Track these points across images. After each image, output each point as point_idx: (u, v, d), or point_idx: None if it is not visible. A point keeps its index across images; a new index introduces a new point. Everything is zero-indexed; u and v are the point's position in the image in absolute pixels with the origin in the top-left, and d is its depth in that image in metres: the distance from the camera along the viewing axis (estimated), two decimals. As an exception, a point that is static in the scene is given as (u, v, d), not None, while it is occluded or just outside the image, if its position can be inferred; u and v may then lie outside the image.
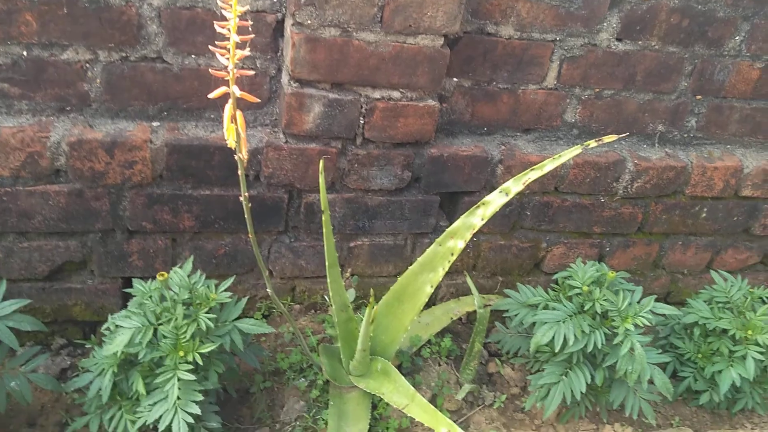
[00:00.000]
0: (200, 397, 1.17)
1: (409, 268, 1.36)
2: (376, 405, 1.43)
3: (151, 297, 1.22)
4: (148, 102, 1.34)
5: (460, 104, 1.50)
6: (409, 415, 1.22)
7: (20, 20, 1.20)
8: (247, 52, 0.90)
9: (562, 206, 1.63)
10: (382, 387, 1.32)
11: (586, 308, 1.42)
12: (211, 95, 0.91)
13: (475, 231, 1.28)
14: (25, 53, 1.23)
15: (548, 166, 1.23)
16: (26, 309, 1.41)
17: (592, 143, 1.22)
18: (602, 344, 1.37)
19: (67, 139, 1.26)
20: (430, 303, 1.69)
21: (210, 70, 0.93)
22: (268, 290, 1.19)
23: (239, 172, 1.01)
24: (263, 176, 1.40)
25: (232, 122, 0.93)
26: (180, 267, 1.27)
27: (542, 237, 1.69)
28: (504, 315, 1.56)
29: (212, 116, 1.38)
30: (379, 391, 1.31)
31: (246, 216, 1.07)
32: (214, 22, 0.90)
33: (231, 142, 0.95)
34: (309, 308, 1.63)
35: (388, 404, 1.40)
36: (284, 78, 1.34)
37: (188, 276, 1.25)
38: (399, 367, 1.49)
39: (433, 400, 1.48)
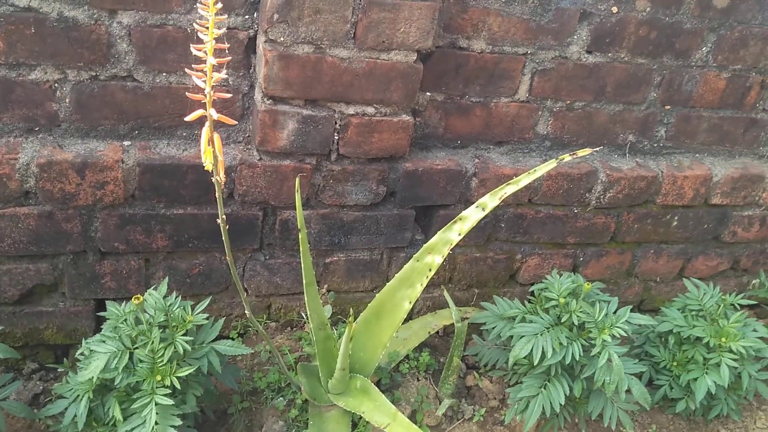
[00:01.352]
0: (178, 422, 1.15)
1: (387, 284, 1.36)
2: (356, 423, 1.42)
3: (126, 320, 1.20)
4: (118, 121, 1.32)
5: (433, 118, 1.50)
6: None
7: (-14, 40, 1.18)
8: (224, 74, 0.89)
9: (536, 218, 1.65)
10: (362, 405, 1.31)
11: (563, 320, 1.43)
12: (188, 118, 0.90)
13: (452, 246, 1.28)
14: (-9, 74, 1.21)
15: (524, 180, 1.24)
16: (-5, 334, 1.38)
17: (567, 157, 1.22)
18: (580, 356, 1.38)
19: (36, 160, 1.24)
20: (408, 317, 1.69)
21: (187, 93, 0.92)
22: (246, 312, 1.17)
23: (216, 194, 0.99)
24: (237, 194, 1.39)
25: (209, 145, 0.92)
26: (155, 289, 1.25)
27: (517, 248, 1.70)
28: (481, 328, 1.56)
29: (184, 134, 1.37)
30: (359, 410, 1.30)
31: (224, 237, 1.06)
32: (191, 45, 0.89)
33: (208, 165, 0.94)
34: (285, 326, 1.61)
35: (368, 422, 1.38)
36: (257, 95, 1.33)
37: (163, 298, 1.24)
38: (378, 384, 1.48)
39: (412, 416, 1.47)
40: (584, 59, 1.53)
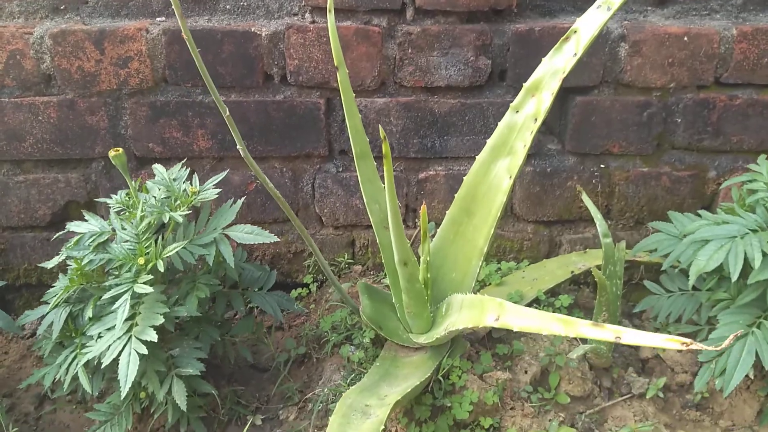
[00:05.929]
0: (160, 320, 0.81)
1: (477, 157, 0.93)
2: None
3: (116, 196, 0.92)
4: (151, -7, 1.10)
5: (555, -34, 1.10)
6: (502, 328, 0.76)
7: None
8: None
9: (730, 107, 1.12)
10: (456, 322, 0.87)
11: (777, 215, 0.89)
12: None
13: (565, 76, 0.85)
14: (7, -62, 1.07)
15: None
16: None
17: None
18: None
19: (49, 31, 1.05)
20: (545, 256, 1.22)
21: None
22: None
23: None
24: (289, 72, 1.08)
25: None
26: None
27: (708, 161, 1.16)
28: (651, 254, 1.04)
29: (228, 7, 1.11)
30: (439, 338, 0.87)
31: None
32: None
33: None
34: (371, 269, 1.22)
35: (459, 375, 0.92)
36: (303, -67, 1.05)
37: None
38: (489, 333, 1.02)
39: (543, 377, 0.98)
40: None
